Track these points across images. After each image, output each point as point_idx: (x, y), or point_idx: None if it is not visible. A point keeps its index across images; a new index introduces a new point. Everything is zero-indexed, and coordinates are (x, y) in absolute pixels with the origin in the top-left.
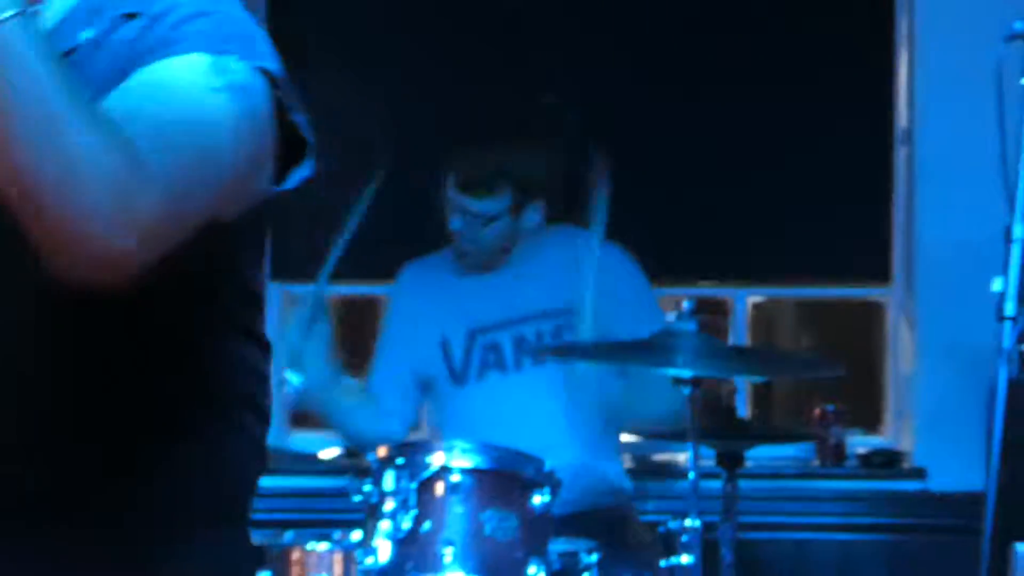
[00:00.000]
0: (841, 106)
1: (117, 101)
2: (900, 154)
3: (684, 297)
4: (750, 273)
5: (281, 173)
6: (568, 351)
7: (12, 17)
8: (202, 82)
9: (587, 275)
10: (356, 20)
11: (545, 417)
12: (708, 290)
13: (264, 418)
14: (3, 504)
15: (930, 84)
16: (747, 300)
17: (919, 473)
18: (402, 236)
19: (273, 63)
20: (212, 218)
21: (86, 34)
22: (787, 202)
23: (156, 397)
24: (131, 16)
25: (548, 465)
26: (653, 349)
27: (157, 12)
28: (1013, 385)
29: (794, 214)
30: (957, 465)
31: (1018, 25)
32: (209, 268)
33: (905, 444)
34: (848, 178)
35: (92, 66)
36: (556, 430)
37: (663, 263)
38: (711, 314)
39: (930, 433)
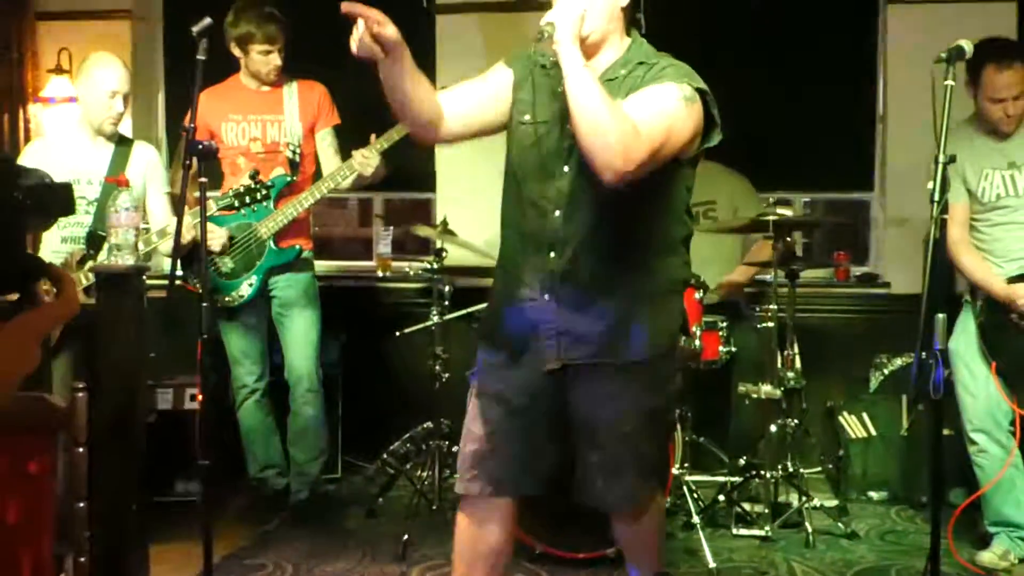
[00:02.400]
0: (848, 105)
1: (632, 103)
2: (879, 128)
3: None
4: (803, 186)
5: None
6: (719, 224)
7: (583, 67)
8: (670, 95)
9: (725, 186)
10: None
11: (699, 248)
12: (781, 194)
13: (688, 249)
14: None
15: (895, 87)
16: (801, 199)
17: (887, 284)
18: None
19: (702, 85)
20: (675, 158)
21: (623, 71)
22: (826, 153)
23: (655, 236)
24: (642, 64)
25: (701, 278)
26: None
27: (652, 64)
28: (936, 241)
29: (826, 159)
30: (907, 280)
31: (942, 54)
32: (675, 182)
33: (879, 270)
34: (853, 143)
35: (624, 86)
36: (703, 261)
37: (759, 182)
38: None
39: (893, 264)
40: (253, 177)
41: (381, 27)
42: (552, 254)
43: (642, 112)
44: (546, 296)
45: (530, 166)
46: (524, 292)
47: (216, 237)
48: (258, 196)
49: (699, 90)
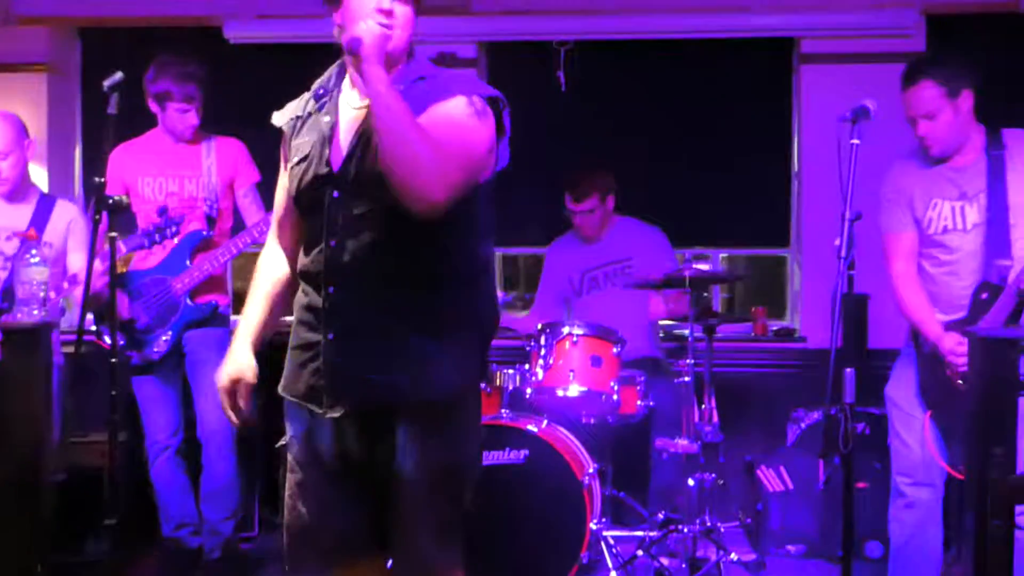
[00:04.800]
0: (765, 162)
1: (428, 124)
2: (794, 185)
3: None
4: (721, 241)
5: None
6: (634, 281)
7: (390, 88)
8: (463, 109)
9: (640, 242)
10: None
11: (617, 310)
12: (700, 249)
13: (492, 282)
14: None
15: (809, 145)
16: (719, 255)
17: (803, 339)
18: (553, 226)
19: (495, 93)
20: (474, 180)
21: (401, 87)
22: (743, 210)
23: (446, 261)
24: (422, 79)
25: (619, 333)
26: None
27: (432, 76)
28: (844, 296)
29: (743, 214)
30: (820, 335)
31: (847, 114)
32: (470, 204)
33: (796, 324)
34: (771, 199)
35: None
36: (622, 317)
37: (678, 237)
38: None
39: (808, 319)
40: (162, 213)
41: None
42: (331, 288)
43: (442, 133)
44: (330, 335)
45: (304, 202)
46: (311, 335)
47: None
48: (168, 233)
49: (490, 99)
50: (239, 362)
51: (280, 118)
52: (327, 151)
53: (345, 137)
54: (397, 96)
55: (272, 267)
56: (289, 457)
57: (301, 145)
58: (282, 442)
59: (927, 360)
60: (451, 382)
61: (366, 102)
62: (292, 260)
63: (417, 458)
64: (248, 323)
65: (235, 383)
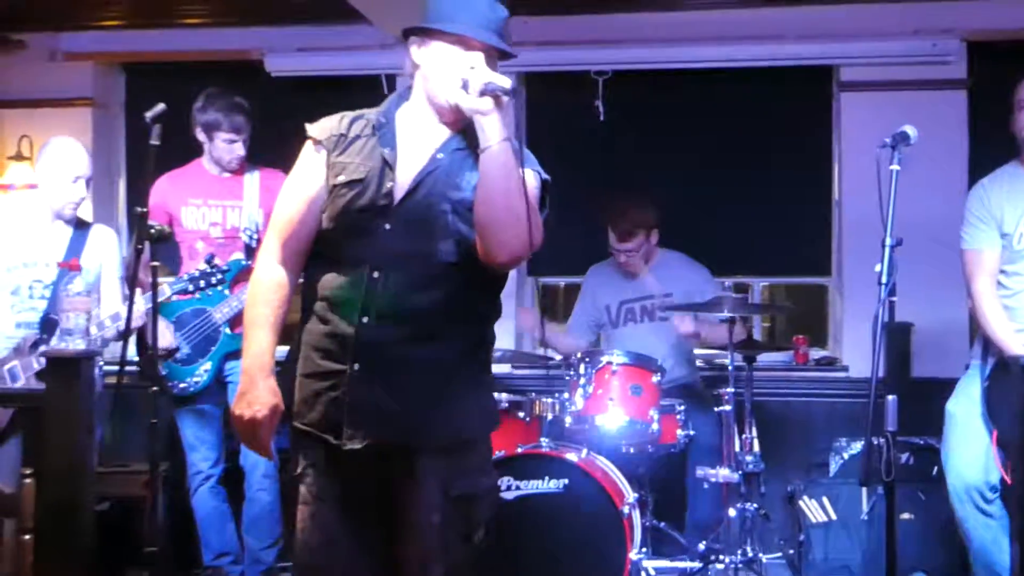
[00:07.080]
0: (805, 190)
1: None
2: (836, 212)
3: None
4: (762, 270)
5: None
6: (677, 308)
7: (504, 140)
8: (533, 183)
9: (684, 278)
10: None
11: (654, 341)
12: (740, 279)
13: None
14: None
15: (850, 172)
16: (759, 284)
17: (845, 368)
18: (592, 254)
19: (544, 173)
20: None
21: (465, 142)
22: (784, 239)
23: (480, 303)
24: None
25: (659, 362)
26: (716, 303)
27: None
28: (886, 324)
29: (784, 243)
30: (865, 364)
31: (887, 139)
32: None
33: (838, 354)
34: (811, 228)
35: (470, 160)
36: (660, 346)
37: (719, 266)
38: (742, 291)
39: (850, 348)
40: (209, 261)
41: None
42: (365, 319)
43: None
44: (356, 366)
45: (344, 226)
46: (330, 363)
47: (162, 340)
48: (213, 280)
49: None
50: (271, 397)
51: (318, 131)
52: (388, 183)
53: (405, 172)
54: (511, 153)
55: (274, 289)
56: (302, 488)
57: (350, 167)
58: (295, 472)
59: (997, 378)
60: (477, 421)
61: (485, 145)
62: (294, 278)
63: (435, 495)
64: (263, 353)
65: (273, 418)
